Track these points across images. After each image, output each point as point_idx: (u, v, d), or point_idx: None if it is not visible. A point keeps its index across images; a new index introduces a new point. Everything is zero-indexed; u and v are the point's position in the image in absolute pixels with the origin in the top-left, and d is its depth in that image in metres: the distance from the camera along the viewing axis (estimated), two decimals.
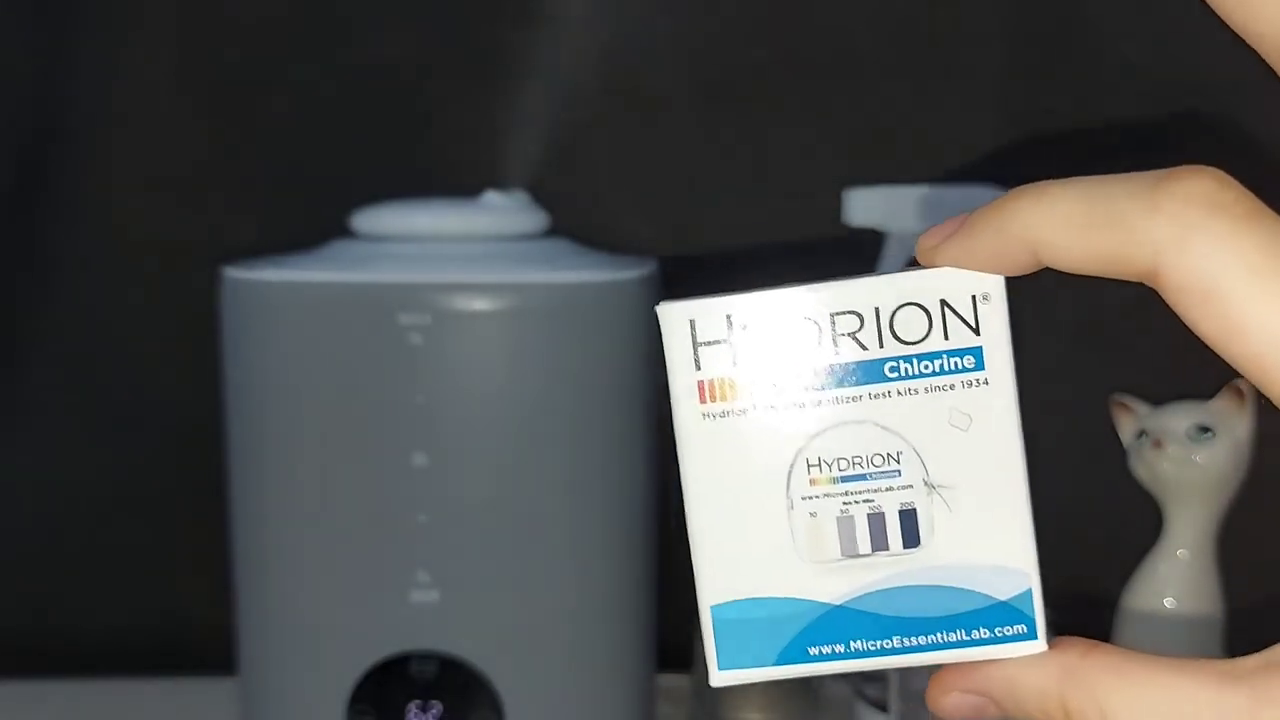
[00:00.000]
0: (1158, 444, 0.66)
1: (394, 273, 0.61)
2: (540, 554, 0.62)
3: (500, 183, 0.72)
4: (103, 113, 0.80)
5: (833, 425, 0.26)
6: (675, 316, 0.26)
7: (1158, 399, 0.68)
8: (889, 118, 0.80)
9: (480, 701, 0.62)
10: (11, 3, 0.79)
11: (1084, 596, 0.69)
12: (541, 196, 0.71)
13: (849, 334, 0.26)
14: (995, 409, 0.26)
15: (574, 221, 0.71)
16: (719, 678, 0.27)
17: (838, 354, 0.26)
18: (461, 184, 0.70)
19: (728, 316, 0.26)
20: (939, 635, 0.26)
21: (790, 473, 0.26)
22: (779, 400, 0.26)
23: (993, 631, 0.26)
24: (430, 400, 0.61)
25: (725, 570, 0.26)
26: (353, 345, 0.61)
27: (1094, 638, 0.69)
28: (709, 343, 0.26)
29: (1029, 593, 0.27)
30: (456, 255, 0.63)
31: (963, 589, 0.26)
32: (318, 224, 0.69)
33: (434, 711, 0.63)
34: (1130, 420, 0.68)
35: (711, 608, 0.27)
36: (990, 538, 0.26)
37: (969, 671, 0.26)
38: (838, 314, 0.26)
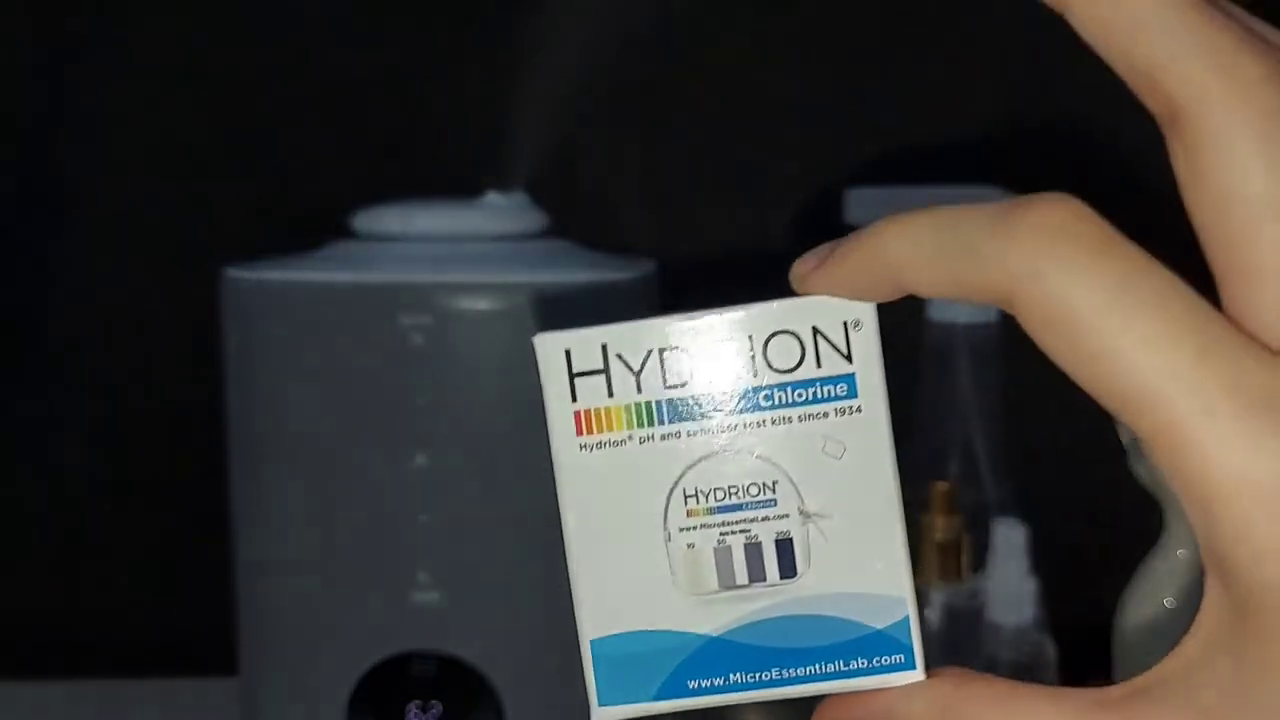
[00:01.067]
0: None
1: (394, 273, 0.61)
2: (540, 554, 0.62)
3: (500, 183, 0.72)
4: (103, 113, 0.80)
5: (708, 455, 0.26)
6: (550, 347, 0.27)
7: None
8: (889, 118, 0.80)
9: (480, 701, 0.62)
10: (12, 3, 0.79)
11: (1084, 596, 0.69)
12: (541, 196, 0.71)
13: (724, 363, 0.26)
14: (868, 436, 0.26)
15: (574, 221, 0.71)
16: (600, 714, 0.26)
17: (712, 383, 0.26)
18: (461, 184, 0.70)
19: (603, 346, 0.26)
20: (818, 666, 0.26)
21: (667, 504, 0.26)
22: (655, 431, 0.26)
23: (871, 661, 0.26)
24: (430, 400, 0.60)
25: (604, 603, 0.26)
26: (353, 345, 0.61)
27: (1094, 638, 0.69)
28: (585, 373, 0.26)
29: (906, 621, 0.26)
30: (456, 255, 0.63)
31: (840, 618, 0.26)
32: (318, 224, 0.69)
33: (434, 711, 0.63)
34: None
35: (591, 642, 0.26)
36: (866, 566, 0.26)
37: (848, 702, 0.26)
38: (713, 343, 0.26)
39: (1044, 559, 0.68)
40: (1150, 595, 0.66)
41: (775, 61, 0.80)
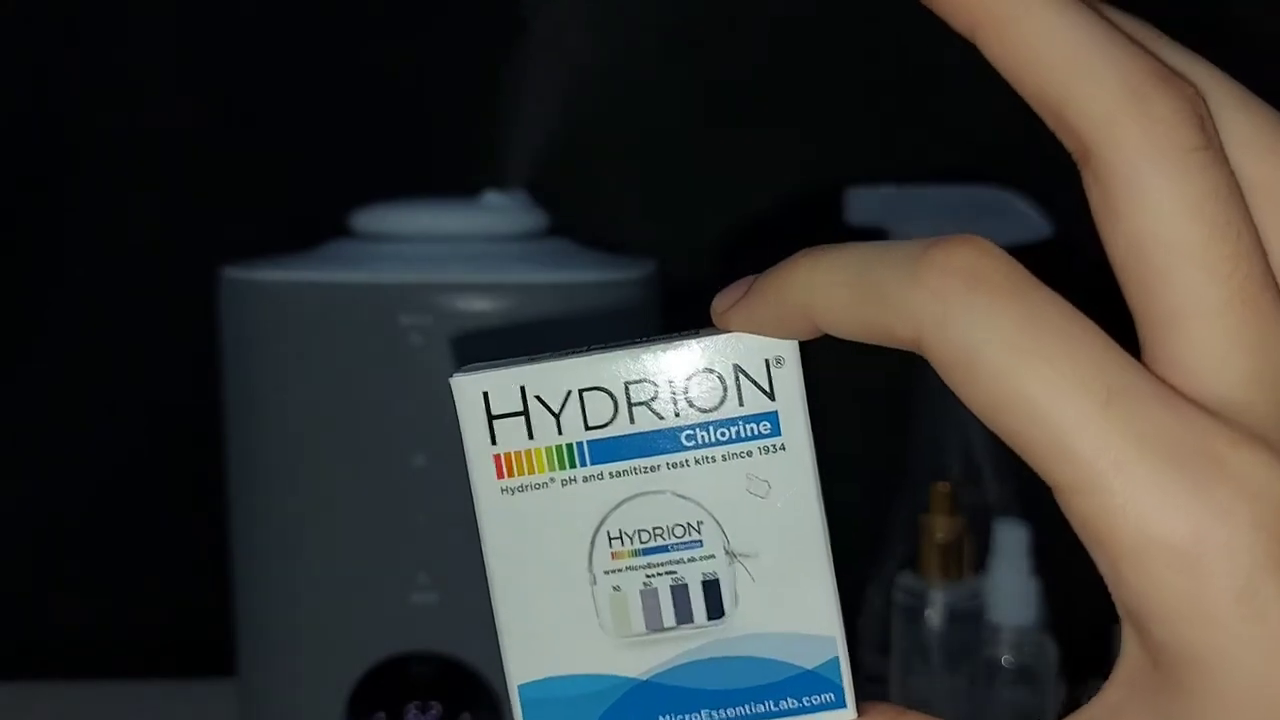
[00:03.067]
0: None
1: (394, 273, 0.61)
2: None
3: (500, 183, 0.72)
4: (103, 112, 0.80)
5: (632, 496, 0.26)
6: (468, 389, 0.26)
7: None
8: (889, 118, 0.80)
9: (480, 702, 0.62)
10: (12, 3, 0.79)
11: (1085, 597, 0.69)
12: (541, 196, 0.71)
13: (644, 403, 0.26)
14: (793, 474, 0.26)
15: (574, 221, 0.71)
16: None
17: (634, 423, 0.26)
18: (461, 184, 0.70)
19: (521, 388, 0.26)
20: (748, 706, 0.26)
21: (592, 546, 0.26)
22: (577, 473, 0.26)
23: (801, 701, 0.26)
24: (430, 400, 0.60)
25: (531, 648, 0.26)
26: (353, 345, 0.61)
27: (1094, 638, 0.69)
28: (503, 415, 0.26)
29: (835, 660, 0.26)
30: (456, 255, 0.63)
31: (769, 659, 0.26)
32: (317, 224, 0.69)
33: (433, 712, 0.63)
34: None
35: (519, 687, 0.26)
36: (795, 605, 0.26)
37: None
38: (631, 382, 0.26)
39: (1045, 559, 0.67)
40: None
41: (775, 61, 0.80)
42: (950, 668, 0.66)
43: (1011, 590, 0.65)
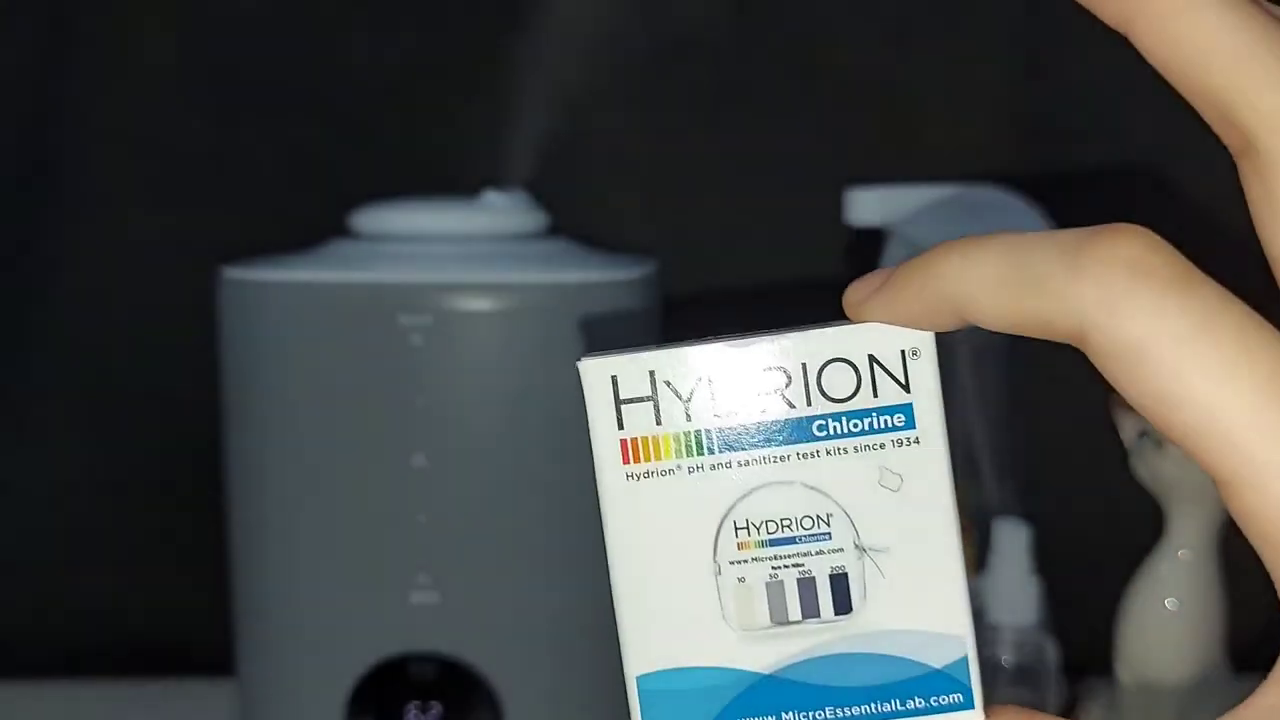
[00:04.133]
0: (1159, 444, 0.66)
1: (394, 273, 0.61)
2: (540, 554, 0.62)
3: (500, 183, 0.72)
4: (103, 113, 0.80)
5: (760, 486, 0.25)
6: (596, 372, 0.25)
7: None
8: (889, 118, 0.79)
9: (480, 702, 0.62)
10: (12, 3, 0.79)
11: (1085, 597, 0.69)
12: (541, 196, 0.71)
13: (776, 391, 0.25)
14: (927, 469, 0.25)
15: (574, 221, 0.71)
16: None
17: (764, 412, 0.25)
18: (461, 184, 0.70)
19: (651, 373, 0.25)
20: (873, 705, 0.25)
21: (717, 536, 0.25)
22: (704, 460, 0.25)
23: (928, 700, 0.25)
24: (430, 401, 0.60)
25: (651, 638, 0.26)
26: (353, 345, 0.61)
27: (1096, 639, 0.69)
28: (632, 400, 0.25)
29: (964, 660, 0.25)
30: (456, 255, 0.63)
31: (897, 656, 0.25)
32: (317, 224, 0.69)
33: (433, 712, 0.62)
34: (1131, 420, 0.68)
35: (637, 678, 0.26)
36: (924, 603, 0.25)
37: None
38: (764, 370, 0.25)
39: (1045, 559, 0.67)
40: (1151, 595, 0.66)
41: (775, 61, 0.80)
42: None
43: (1011, 590, 0.65)
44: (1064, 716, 0.26)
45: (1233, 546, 0.67)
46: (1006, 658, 0.65)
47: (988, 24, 0.78)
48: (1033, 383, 0.74)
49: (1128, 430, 0.68)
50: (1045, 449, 0.77)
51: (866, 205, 0.71)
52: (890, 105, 0.79)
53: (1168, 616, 0.65)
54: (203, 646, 0.77)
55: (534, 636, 0.62)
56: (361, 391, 0.61)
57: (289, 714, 0.64)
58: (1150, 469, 0.66)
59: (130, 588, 0.84)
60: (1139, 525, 0.68)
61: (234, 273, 0.63)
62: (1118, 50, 0.30)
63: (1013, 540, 0.66)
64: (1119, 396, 0.64)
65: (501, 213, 0.67)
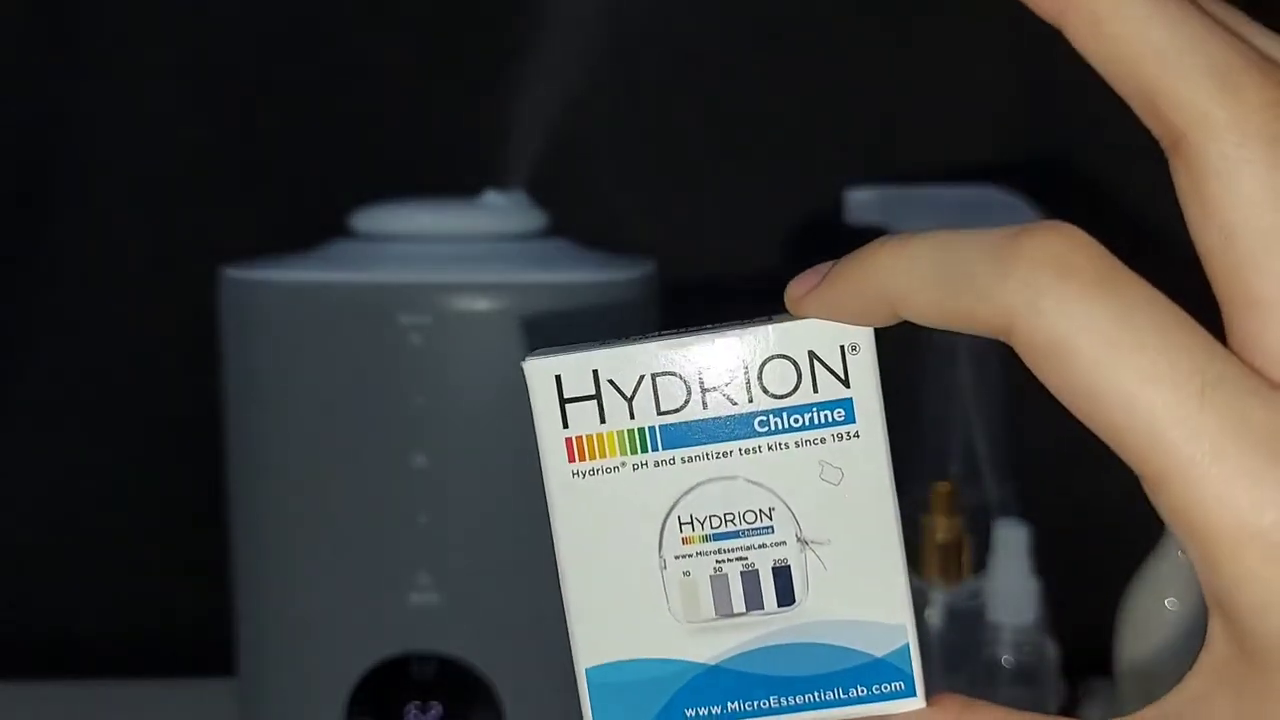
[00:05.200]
0: None
1: (394, 273, 0.61)
2: (540, 555, 0.62)
3: (500, 183, 0.72)
4: (103, 113, 0.80)
5: (703, 482, 0.26)
6: (541, 372, 0.26)
7: None
8: (889, 116, 0.79)
9: (480, 702, 0.62)
10: (12, 3, 0.79)
11: (1085, 597, 0.69)
12: (541, 196, 0.71)
13: (717, 388, 0.26)
14: (867, 462, 0.26)
15: (574, 221, 0.71)
16: None
17: (706, 409, 0.26)
18: (461, 184, 0.70)
19: (594, 372, 0.26)
20: (817, 694, 0.26)
21: (662, 531, 0.26)
22: (648, 457, 0.26)
23: (871, 689, 0.26)
24: (430, 401, 0.60)
25: (600, 632, 0.26)
26: (353, 345, 0.61)
27: (1095, 638, 0.69)
28: (576, 399, 0.26)
29: (906, 648, 0.26)
30: (456, 255, 0.63)
31: (839, 646, 0.26)
32: (317, 224, 0.69)
33: (433, 712, 0.63)
34: None
35: (586, 670, 0.26)
36: (866, 593, 0.26)
37: None
38: (704, 368, 0.26)
39: (1045, 559, 0.67)
40: (1151, 595, 0.66)
41: (775, 61, 0.80)
42: (950, 668, 0.66)
43: (1011, 590, 0.65)
44: (1064, 716, 0.26)
45: None
46: (1006, 658, 0.65)
47: (988, 24, 0.78)
48: (1033, 383, 0.74)
49: None
50: (1045, 449, 0.77)
51: (866, 205, 0.71)
52: (890, 105, 0.79)
53: (1168, 616, 0.65)
54: (203, 646, 0.77)
55: (534, 636, 0.62)
56: (361, 391, 0.61)
57: (289, 714, 0.64)
58: None
59: (130, 588, 0.84)
60: (1139, 525, 0.68)
61: (234, 273, 0.63)
62: None
63: (1013, 540, 0.66)
64: None
65: (501, 213, 0.67)
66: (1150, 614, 0.66)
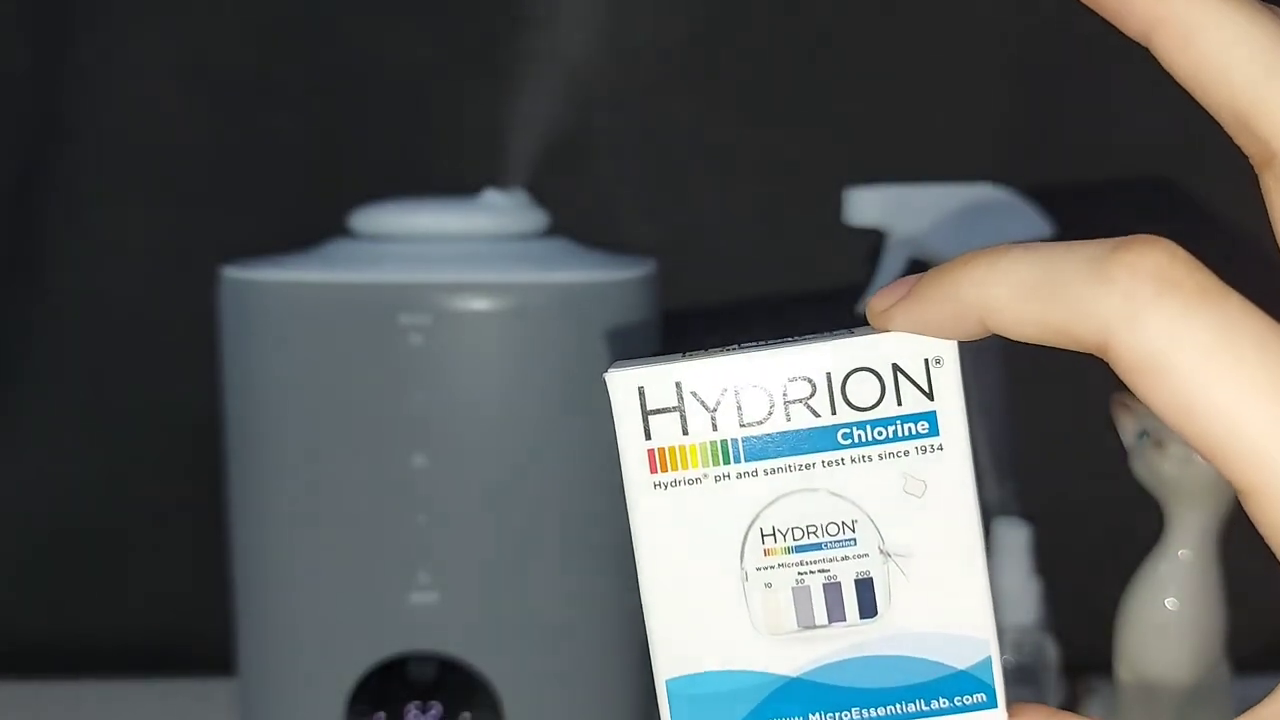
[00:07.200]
0: (1159, 444, 0.65)
1: (394, 273, 0.61)
2: (540, 555, 0.62)
3: (500, 183, 0.72)
4: (103, 113, 0.80)
5: (786, 494, 0.26)
6: (624, 384, 0.26)
7: None
8: (889, 118, 0.79)
9: (480, 702, 0.62)
10: (12, 3, 0.79)
11: (1085, 597, 0.69)
12: (541, 196, 0.71)
13: (800, 400, 0.26)
14: (950, 474, 0.26)
15: (574, 221, 0.71)
16: None
17: (789, 421, 0.26)
18: (461, 184, 0.70)
19: (677, 384, 0.26)
20: (898, 706, 0.26)
21: (744, 543, 0.26)
22: (731, 469, 0.26)
23: (952, 701, 0.26)
24: (430, 400, 0.60)
25: (681, 643, 0.26)
26: (353, 345, 0.61)
27: (1096, 639, 0.69)
28: (659, 410, 0.26)
29: (988, 660, 0.26)
30: (456, 255, 0.63)
31: (921, 658, 0.26)
32: (317, 224, 0.69)
33: (433, 712, 0.63)
34: (1131, 420, 0.68)
35: (667, 681, 0.26)
36: (948, 605, 0.26)
37: None
38: (789, 380, 0.26)
39: (1045, 559, 0.67)
40: (1151, 595, 0.66)
41: (775, 61, 0.80)
42: None
43: (1011, 590, 0.65)
44: None
45: (1233, 546, 0.67)
46: (1006, 658, 0.65)
47: (987, 24, 0.78)
48: (1033, 383, 0.74)
49: (1128, 430, 0.68)
50: (1045, 449, 0.77)
51: (866, 205, 0.71)
52: (890, 105, 0.79)
53: (1168, 616, 0.65)
54: (203, 646, 0.77)
55: (534, 636, 0.62)
56: (361, 391, 0.61)
57: (289, 714, 0.64)
58: (1150, 469, 0.66)
59: (130, 587, 0.84)
60: (1139, 525, 0.68)
61: (234, 273, 0.63)
62: (1118, 51, 0.30)
63: (1013, 540, 0.66)
64: (1120, 396, 0.64)
65: (501, 213, 0.67)
66: (1150, 614, 0.66)
